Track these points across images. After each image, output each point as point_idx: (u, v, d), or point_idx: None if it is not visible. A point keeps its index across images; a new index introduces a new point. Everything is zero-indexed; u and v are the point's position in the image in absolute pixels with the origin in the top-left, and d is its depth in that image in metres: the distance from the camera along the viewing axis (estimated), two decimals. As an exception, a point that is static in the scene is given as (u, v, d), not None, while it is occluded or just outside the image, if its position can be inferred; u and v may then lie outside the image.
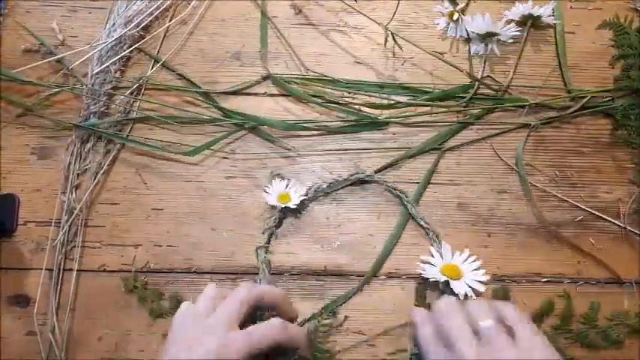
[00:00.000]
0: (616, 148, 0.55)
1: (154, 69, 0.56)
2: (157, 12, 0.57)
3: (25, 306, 0.52)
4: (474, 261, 0.47)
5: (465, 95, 0.55)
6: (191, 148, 0.53)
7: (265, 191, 0.52)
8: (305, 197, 0.52)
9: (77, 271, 0.52)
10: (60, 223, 0.53)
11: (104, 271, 0.52)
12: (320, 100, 0.55)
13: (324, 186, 0.53)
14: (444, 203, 0.54)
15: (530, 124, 0.55)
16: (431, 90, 0.56)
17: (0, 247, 0.53)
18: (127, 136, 0.55)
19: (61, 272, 0.52)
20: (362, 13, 0.56)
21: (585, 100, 0.55)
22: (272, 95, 0.56)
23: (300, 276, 0.52)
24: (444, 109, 0.55)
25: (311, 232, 0.53)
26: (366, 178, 0.53)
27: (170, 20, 0.57)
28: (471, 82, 0.56)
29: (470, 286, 0.45)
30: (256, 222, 0.53)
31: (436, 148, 0.55)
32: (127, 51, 0.55)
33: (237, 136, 0.55)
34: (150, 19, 0.56)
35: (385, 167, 0.54)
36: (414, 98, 0.55)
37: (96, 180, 0.53)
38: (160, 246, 0.53)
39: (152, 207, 0.54)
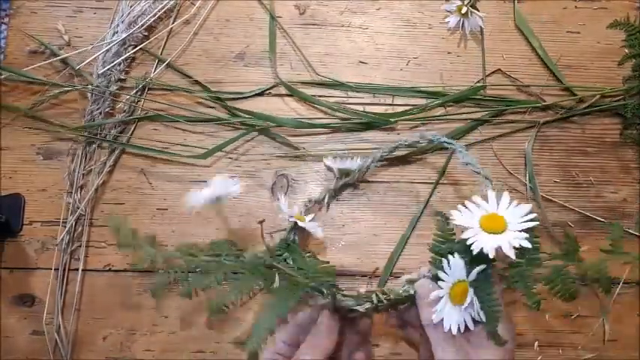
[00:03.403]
0: (622, 148, 0.55)
1: (157, 71, 0.56)
2: (161, 12, 0.57)
3: (31, 305, 0.52)
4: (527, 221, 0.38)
5: (475, 97, 0.55)
6: (197, 148, 0.54)
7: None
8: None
9: (82, 270, 0.52)
10: (65, 222, 0.53)
11: (109, 270, 0.52)
12: (330, 102, 0.55)
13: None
14: (449, 203, 0.54)
15: (537, 123, 0.54)
16: (440, 91, 0.55)
17: (6, 247, 0.53)
18: (130, 138, 0.55)
19: (66, 272, 0.52)
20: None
21: (594, 99, 0.55)
22: (278, 95, 0.56)
23: (304, 276, 0.52)
24: (456, 115, 0.55)
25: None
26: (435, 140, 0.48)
27: (174, 20, 0.57)
28: (479, 82, 0.56)
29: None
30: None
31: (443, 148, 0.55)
32: (132, 52, 0.55)
33: (247, 137, 0.55)
34: (154, 19, 0.56)
35: (404, 160, 0.54)
36: (426, 100, 0.55)
37: (101, 179, 0.54)
38: (165, 245, 0.53)
39: (157, 207, 0.54)
